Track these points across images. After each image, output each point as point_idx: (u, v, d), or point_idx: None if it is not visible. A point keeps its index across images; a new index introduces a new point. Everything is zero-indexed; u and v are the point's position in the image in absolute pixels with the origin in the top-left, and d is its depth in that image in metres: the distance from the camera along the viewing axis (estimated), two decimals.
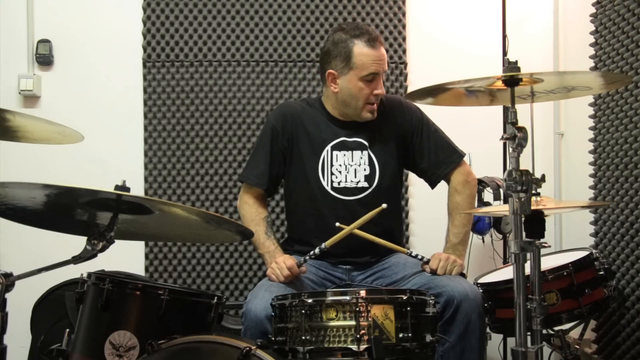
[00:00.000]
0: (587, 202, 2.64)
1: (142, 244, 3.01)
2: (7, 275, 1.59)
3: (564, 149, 3.09)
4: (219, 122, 3.08)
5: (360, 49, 2.20)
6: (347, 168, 2.29)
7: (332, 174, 2.28)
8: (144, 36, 3.07)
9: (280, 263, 2.08)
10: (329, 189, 2.28)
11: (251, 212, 2.31)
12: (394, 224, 2.39)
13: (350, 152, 2.30)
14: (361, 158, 2.30)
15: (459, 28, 3.19)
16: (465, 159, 2.38)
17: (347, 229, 2.09)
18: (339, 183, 2.29)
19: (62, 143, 1.98)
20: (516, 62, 1.56)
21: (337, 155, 2.29)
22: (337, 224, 2.12)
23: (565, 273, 2.02)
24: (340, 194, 2.28)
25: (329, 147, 2.29)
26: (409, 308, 1.65)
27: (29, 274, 1.61)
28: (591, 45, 2.67)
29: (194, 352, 1.61)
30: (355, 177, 2.29)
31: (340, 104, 2.29)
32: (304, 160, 2.30)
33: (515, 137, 1.55)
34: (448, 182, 2.36)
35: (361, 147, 2.31)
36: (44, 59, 3.04)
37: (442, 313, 1.94)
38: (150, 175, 3.05)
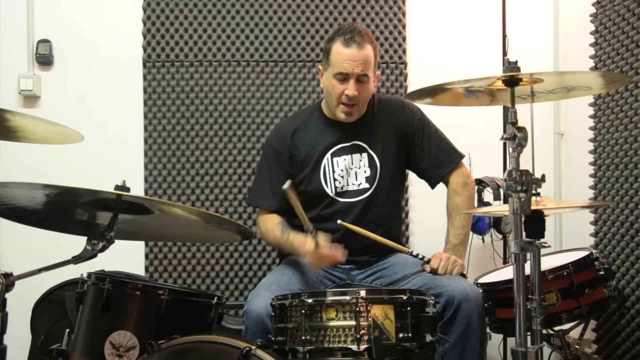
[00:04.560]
0: (587, 202, 2.64)
1: (142, 244, 3.01)
2: (7, 275, 1.59)
3: (564, 149, 3.09)
4: (219, 122, 3.07)
5: (336, 47, 2.22)
6: (348, 172, 2.29)
7: (334, 179, 2.29)
8: (144, 36, 3.07)
9: (317, 254, 2.05)
10: (332, 194, 2.29)
11: (266, 225, 2.31)
12: (394, 224, 2.39)
13: (349, 155, 2.31)
14: (360, 160, 2.31)
15: (459, 28, 3.19)
16: (465, 159, 2.39)
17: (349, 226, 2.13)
18: (341, 188, 2.29)
19: (62, 143, 1.98)
20: (516, 62, 1.56)
21: (337, 161, 2.30)
22: (339, 221, 2.13)
23: (565, 273, 2.02)
24: (344, 197, 2.29)
25: (328, 155, 2.30)
26: (409, 308, 1.66)
27: (29, 274, 1.61)
28: (591, 45, 2.67)
29: (194, 352, 1.61)
30: (357, 179, 2.30)
31: (326, 101, 2.33)
32: (307, 172, 2.31)
33: (515, 137, 1.55)
34: (447, 183, 2.36)
35: (360, 150, 2.31)
36: (44, 59, 3.03)
37: (443, 313, 1.94)
38: (150, 175, 3.05)
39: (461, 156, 2.37)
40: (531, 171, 1.55)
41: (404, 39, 3.15)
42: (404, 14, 3.15)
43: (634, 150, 2.38)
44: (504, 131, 1.58)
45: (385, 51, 3.11)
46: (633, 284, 2.35)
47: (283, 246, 2.26)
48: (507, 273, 2.15)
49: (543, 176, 1.57)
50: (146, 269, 3.02)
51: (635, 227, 2.36)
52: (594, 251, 2.13)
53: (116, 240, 1.69)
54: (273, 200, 2.31)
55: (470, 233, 2.45)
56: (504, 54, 3.03)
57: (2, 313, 1.59)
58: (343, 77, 2.20)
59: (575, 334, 2.27)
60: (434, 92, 1.75)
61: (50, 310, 2.43)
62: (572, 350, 2.13)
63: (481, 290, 2.06)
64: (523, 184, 1.52)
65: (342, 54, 2.19)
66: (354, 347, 1.60)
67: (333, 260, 2.07)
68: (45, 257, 1.68)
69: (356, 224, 2.18)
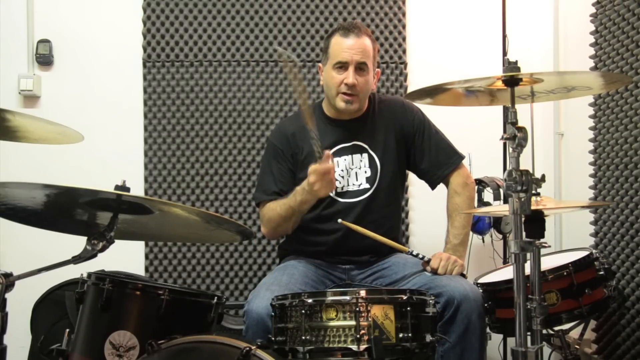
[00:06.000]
0: (587, 202, 2.64)
1: (142, 244, 3.01)
2: (7, 275, 1.59)
3: (564, 149, 3.09)
4: (219, 122, 3.07)
5: (335, 39, 2.25)
6: (348, 172, 2.30)
7: (335, 180, 2.29)
8: (144, 36, 3.07)
9: (316, 177, 2.06)
10: (333, 195, 2.29)
11: (270, 207, 2.29)
12: (394, 225, 2.40)
13: (350, 156, 2.31)
14: (361, 161, 2.31)
15: (459, 28, 3.19)
16: (465, 159, 2.39)
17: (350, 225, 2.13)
18: (342, 188, 2.30)
19: (62, 143, 1.98)
20: (516, 62, 1.57)
21: (337, 161, 2.30)
22: (339, 220, 2.13)
23: (565, 273, 2.02)
24: (344, 197, 2.30)
25: None
26: (409, 308, 1.65)
27: (29, 274, 1.61)
28: (591, 45, 2.67)
29: (194, 352, 1.61)
30: (357, 180, 2.30)
31: (326, 98, 2.34)
32: (308, 172, 2.30)
33: (515, 137, 1.55)
34: (447, 184, 2.36)
35: (360, 150, 2.31)
36: (44, 59, 3.03)
37: (443, 313, 1.94)
38: (150, 175, 3.05)
39: (461, 157, 2.38)
40: (531, 171, 1.55)
41: (404, 39, 3.14)
42: (404, 14, 3.15)
43: (634, 150, 2.38)
44: (504, 131, 1.58)
45: (385, 51, 3.11)
46: (633, 284, 2.35)
47: (291, 204, 2.19)
48: (507, 273, 2.15)
49: (543, 176, 1.57)
50: (146, 269, 3.02)
51: (635, 227, 2.36)
52: (594, 251, 2.13)
53: (116, 240, 1.69)
54: (277, 191, 2.31)
55: (470, 233, 2.46)
56: (504, 54, 3.03)
57: (2, 313, 1.59)
58: (341, 66, 2.22)
59: (575, 334, 2.27)
60: (434, 92, 1.75)
61: (50, 310, 2.43)
62: (572, 350, 2.13)
63: (481, 290, 2.06)
64: (523, 184, 1.53)
65: (341, 44, 2.22)
66: (354, 347, 1.60)
67: (332, 169, 2.07)
68: (45, 257, 1.68)
69: (356, 224, 2.18)
